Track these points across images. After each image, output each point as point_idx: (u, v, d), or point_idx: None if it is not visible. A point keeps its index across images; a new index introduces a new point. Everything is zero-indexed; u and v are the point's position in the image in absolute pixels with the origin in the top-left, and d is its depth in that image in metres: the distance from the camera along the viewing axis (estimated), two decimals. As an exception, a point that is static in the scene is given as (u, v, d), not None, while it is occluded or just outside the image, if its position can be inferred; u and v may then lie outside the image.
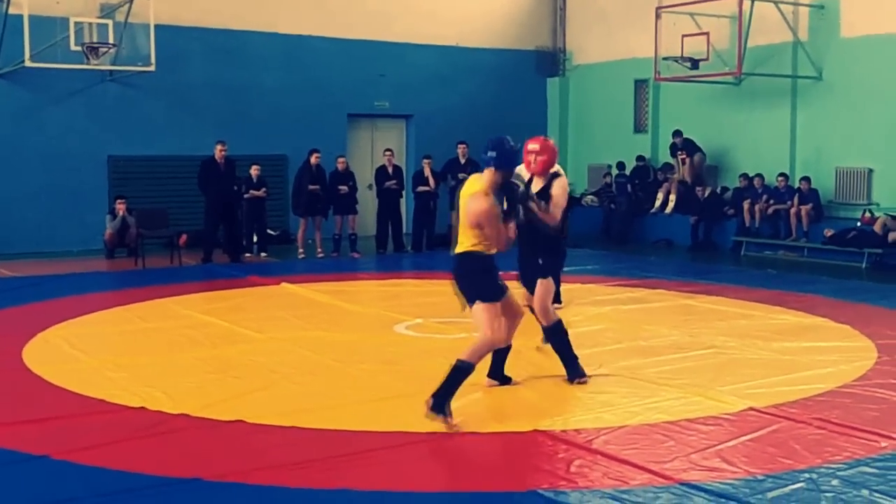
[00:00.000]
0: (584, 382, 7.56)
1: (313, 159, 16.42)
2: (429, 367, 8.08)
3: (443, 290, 12.56)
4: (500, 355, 7.47)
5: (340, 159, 16.84)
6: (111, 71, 17.26)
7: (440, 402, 6.31)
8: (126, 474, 5.52)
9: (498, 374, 7.60)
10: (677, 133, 18.93)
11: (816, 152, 17.36)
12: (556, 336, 7.75)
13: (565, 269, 11.55)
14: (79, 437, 6.19)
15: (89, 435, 6.25)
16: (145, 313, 10.83)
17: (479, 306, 6.56)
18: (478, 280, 6.62)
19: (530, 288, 7.90)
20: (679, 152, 18.94)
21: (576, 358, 7.66)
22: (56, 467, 5.66)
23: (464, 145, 17.58)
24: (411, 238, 17.73)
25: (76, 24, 16.28)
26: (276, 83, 19.00)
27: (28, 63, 15.74)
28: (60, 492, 5.27)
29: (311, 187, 16.34)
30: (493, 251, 6.61)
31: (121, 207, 16.15)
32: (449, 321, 10.00)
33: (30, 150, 16.96)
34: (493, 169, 6.49)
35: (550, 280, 7.83)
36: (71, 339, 9.35)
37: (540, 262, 7.82)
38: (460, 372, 6.43)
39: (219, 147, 15.74)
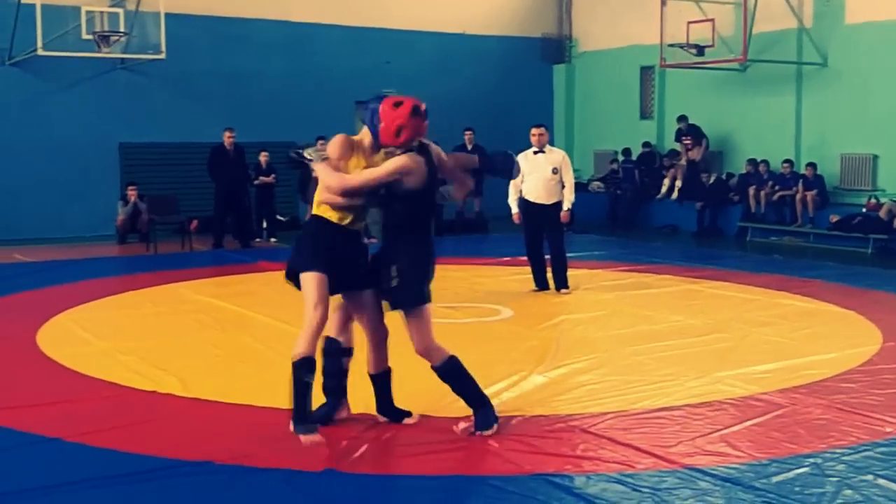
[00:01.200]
0: (491, 433, 5.86)
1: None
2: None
3: (450, 275, 12.72)
4: (377, 387, 6.15)
5: None
6: (122, 59, 17.36)
7: (298, 417, 5.58)
8: (137, 456, 5.59)
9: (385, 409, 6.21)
10: (682, 118, 18.98)
11: (821, 138, 17.40)
12: (453, 378, 6.02)
13: (571, 254, 11.63)
14: (91, 420, 6.25)
15: (101, 417, 6.32)
16: (156, 298, 10.93)
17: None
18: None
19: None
20: (684, 137, 18.98)
21: (486, 404, 5.99)
22: (69, 449, 5.73)
23: (470, 132, 17.73)
24: (419, 224, 17.79)
25: (87, 12, 16.42)
26: (283, 71, 19.09)
27: (40, 51, 15.87)
28: (73, 473, 5.34)
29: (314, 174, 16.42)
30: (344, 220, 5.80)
31: (132, 194, 16.29)
32: (456, 306, 10.09)
33: (43, 137, 17.11)
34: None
35: (421, 308, 5.89)
36: (84, 322, 9.45)
37: (393, 273, 5.87)
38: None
39: (227, 134, 15.85)
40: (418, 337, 5.88)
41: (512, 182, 11.14)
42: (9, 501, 4.94)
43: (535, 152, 11.03)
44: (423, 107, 5.97)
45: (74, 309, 10.15)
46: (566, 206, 11.07)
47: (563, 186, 11.05)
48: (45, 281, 12.06)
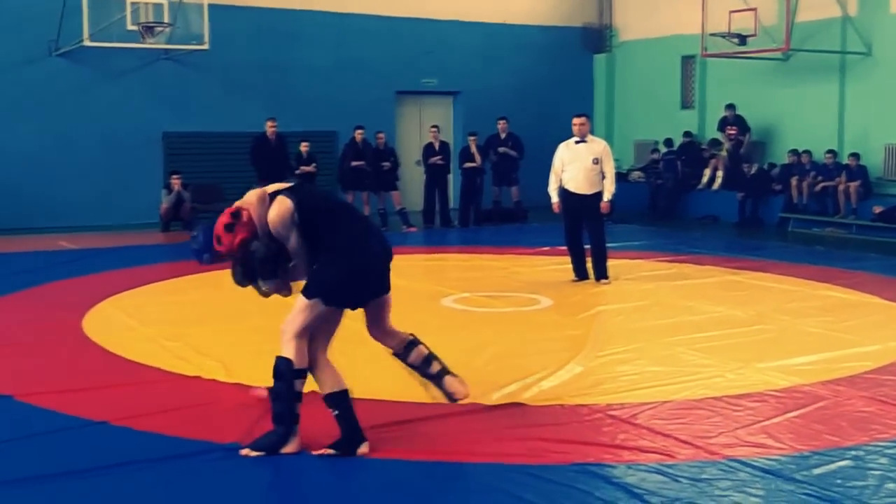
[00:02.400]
0: (257, 455, 5.39)
1: (357, 135, 16.64)
2: (476, 339, 8.24)
3: (489, 264, 12.77)
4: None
5: (379, 135, 17.01)
6: (166, 50, 17.52)
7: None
8: (182, 440, 5.68)
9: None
10: (730, 107, 18.77)
11: (865, 129, 17.23)
12: (278, 379, 5.47)
13: (611, 244, 11.63)
14: (136, 405, 6.34)
15: (146, 402, 6.40)
16: (200, 284, 11.02)
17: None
18: None
19: None
20: (729, 127, 18.81)
21: (286, 429, 5.42)
22: (115, 433, 5.83)
23: (504, 121, 17.75)
24: (458, 213, 17.87)
25: (132, 3, 16.57)
26: (325, 61, 19.18)
27: (86, 42, 16.06)
28: (119, 456, 5.43)
29: (353, 163, 16.56)
30: None
31: (176, 182, 16.47)
32: (495, 295, 10.12)
33: (88, 126, 17.34)
34: None
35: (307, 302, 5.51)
36: (128, 309, 9.58)
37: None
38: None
39: (269, 124, 15.98)
40: (291, 318, 5.54)
41: (552, 171, 11.17)
42: (56, 483, 5.03)
43: (577, 142, 11.03)
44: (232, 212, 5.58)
45: (119, 295, 10.29)
46: (606, 196, 11.04)
47: (603, 177, 11.03)
48: (90, 268, 12.21)
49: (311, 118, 18.64)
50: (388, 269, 5.82)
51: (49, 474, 5.15)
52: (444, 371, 6.07)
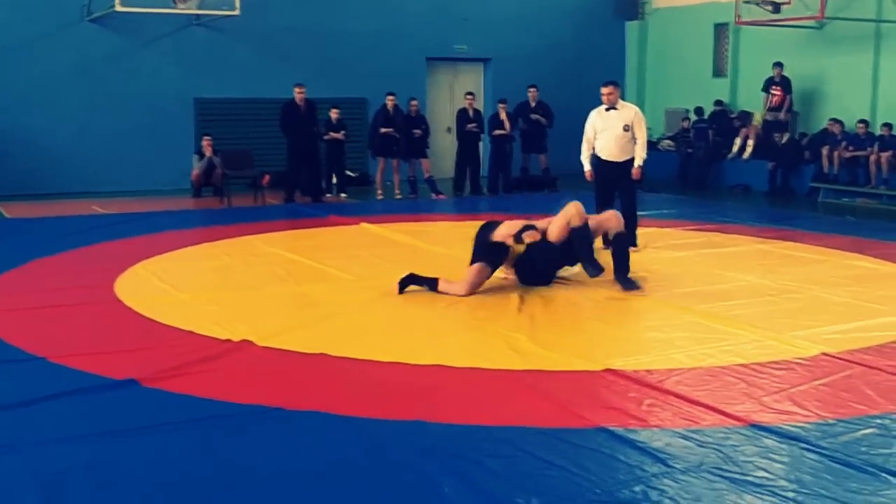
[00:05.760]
0: None
1: (388, 102, 16.65)
2: (507, 305, 8.29)
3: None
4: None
5: (413, 102, 16.99)
6: (198, 15, 17.56)
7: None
8: (212, 402, 5.78)
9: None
10: (778, 65, 18.40)
11: (899, 99, 17.06)
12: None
13: (642, 213, 11.62)
14: (168, 366, 6.42)
15: (178, 364, 6.48)
16: (231, 250, 11.14)
17: None
18: None
19: None
20: (774, 87, 18.51)
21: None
22: (148, 394, 5.92)
23: (534, 89, 17.67)
24: (487, 181, 17.87)
25: (164, -31, 16.59)
26: (356, 27, 19.15)
27: (118, 7, 16.10)
28: (152, 417, 5.52)
29: (382, 130, 16.59)
30: None
31: (207, 145, 16.53)
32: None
33: (121, 92, 17.45)
34: None
35: None
36: (161, 273, 9.68)
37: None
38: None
39: (297, 90, 16.00)
40: None
41: (584, 139, 11.15)
42: (88, 444, 5.12)
43: (608, 109, 10.99)
44: None
45: (151, 259, 10.39)
46: (638, 162, 10.98)
47: (635, 143, 11.00)
48: (123, 232, 12.33)
49: (342, 85, 18.67)
50: None
51: (84, 434, 5.25)
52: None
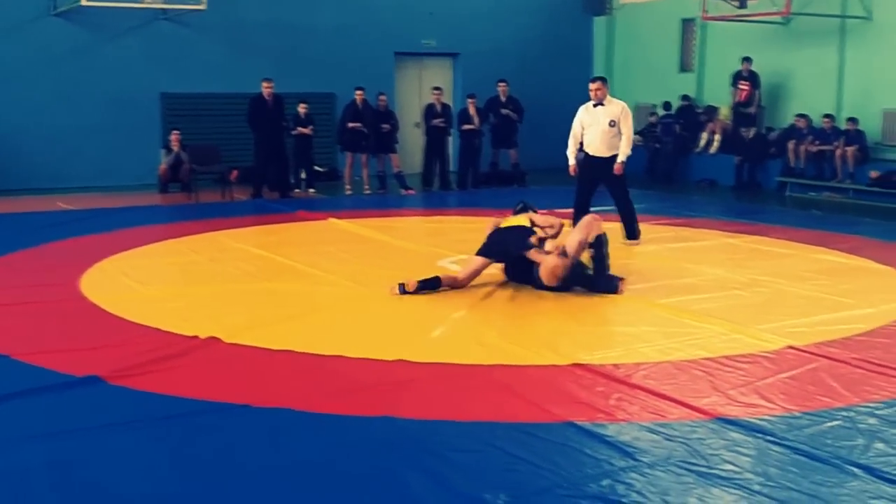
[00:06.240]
0: None
1: (357, 97, 16.61)
2: (474, 300, 8.28)
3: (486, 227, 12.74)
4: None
5: (381, 97, 16.95)
6: (164, 10, 17.44)
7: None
8: (178, 399, 5.73)
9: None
10: (747, 59, 18.39)
11: (864, 94, 17.19)
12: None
13: (609, 208, 11.66)
14: (133, 363, 6.36)
15: (144, 361, 6.42)
16: (198, 246, 11.06)
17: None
18: None
19: None
20: (742, 81, 18.57)
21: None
22: (112, 392, 5.86)
23: (504, 83, 17.67)
24: (456, 176, 17.86)
25: (129, -37, 16.46)
26: (325, 21, 19.08)
27: (84, 2, 15.99)
28: (117, 415, 5.48)
29: (351, 125, 16.55)
30: None
31: (175, 140, 16.41)
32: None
33: (86, 87, 17.30)
34: None
35: None
36: (127, 269, 9.60)
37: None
38: None
39: (265, 84, 15.91)
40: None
41: (572, 134, 11.26)
42: (50, 442, 5.07)
43: (595, 105, 11.08)
44: None
45: (117, 256, 10.30)
46: (620, 157, 11.05)
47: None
48: (89, 229, 12.21)
49: (310, 79, 18.58)
50: None
51: (47, 433, 5.20)
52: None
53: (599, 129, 11.03)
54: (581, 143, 11.29)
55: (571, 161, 11.34)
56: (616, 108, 11.10)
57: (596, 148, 11.11)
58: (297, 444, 5.12)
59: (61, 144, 17.10)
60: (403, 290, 8.48)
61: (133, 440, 5.13)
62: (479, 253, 8.90)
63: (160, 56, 17.82)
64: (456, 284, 8.72)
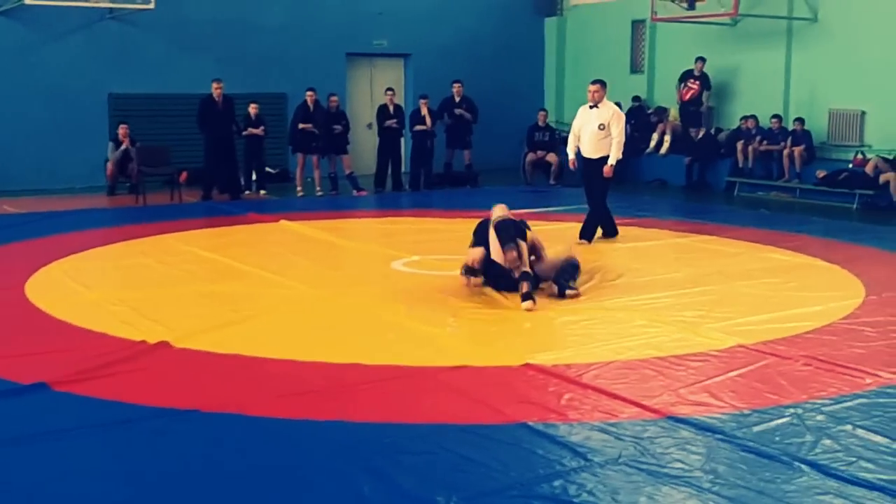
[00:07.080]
0: None
1: (308, 98, 16.53)
2: (425, 301, 8.27)
3: (439, 227, 12.77)
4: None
5: (332, 98, 16.87)
6: (110, 9, 17.23)
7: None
8: (125, 405, 5.66)
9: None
10: (701, 59, 18.40)
11: (810, 94, 17.39)
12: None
13: (560, 208, 11.76)
14: (81, 369, 6.27)
15: (90, 367, 6.33)
16: (146, 249, 10.94)
17: None
18: None
19: None
20: (692, 80, 18.64)
21: None
22: (58, 398, 5.79)
23: (458, 84, 17.69)
24: (409, 177, 17.84)
25: (74, -39, 16.24)
26: (275, 21, 18.94)
27: (27, 0, 15.70)
28: (60, 422, 5.40)
29: (302, 126, 16.48)
30: None
31: (123, 133, 16.17)
32: (445, 258, 10.13)
33: (31, 87, 17.00)
34: None
35: None
36: (73, 273, 9.48)
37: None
38: None
39: (215, 85, 15.79)
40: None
41: (571, 132, 11.77)
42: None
43: (591, 107, 11.41)
44: None
45: (64, 259, 10.17)
46: (610, 161, 11.35)
47: None
48: (35, 232, 12.05)
49: (261, 80, 18.44)
50: None
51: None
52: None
53: (589, 131, 11.40)
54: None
55: (571, 156, 11.88)
56: (607, 111, 11.43)
57: (585, 149, 11.56)
58: (246, 448, 5.07)
59: (6, 146, 16.81)
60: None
61: (81, 447, 5.06)
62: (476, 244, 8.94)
63: (108, 56, 17.59)
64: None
